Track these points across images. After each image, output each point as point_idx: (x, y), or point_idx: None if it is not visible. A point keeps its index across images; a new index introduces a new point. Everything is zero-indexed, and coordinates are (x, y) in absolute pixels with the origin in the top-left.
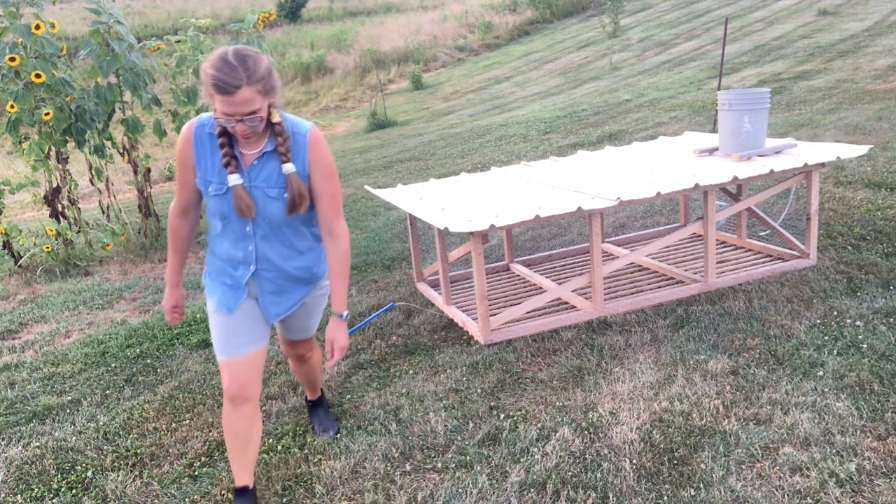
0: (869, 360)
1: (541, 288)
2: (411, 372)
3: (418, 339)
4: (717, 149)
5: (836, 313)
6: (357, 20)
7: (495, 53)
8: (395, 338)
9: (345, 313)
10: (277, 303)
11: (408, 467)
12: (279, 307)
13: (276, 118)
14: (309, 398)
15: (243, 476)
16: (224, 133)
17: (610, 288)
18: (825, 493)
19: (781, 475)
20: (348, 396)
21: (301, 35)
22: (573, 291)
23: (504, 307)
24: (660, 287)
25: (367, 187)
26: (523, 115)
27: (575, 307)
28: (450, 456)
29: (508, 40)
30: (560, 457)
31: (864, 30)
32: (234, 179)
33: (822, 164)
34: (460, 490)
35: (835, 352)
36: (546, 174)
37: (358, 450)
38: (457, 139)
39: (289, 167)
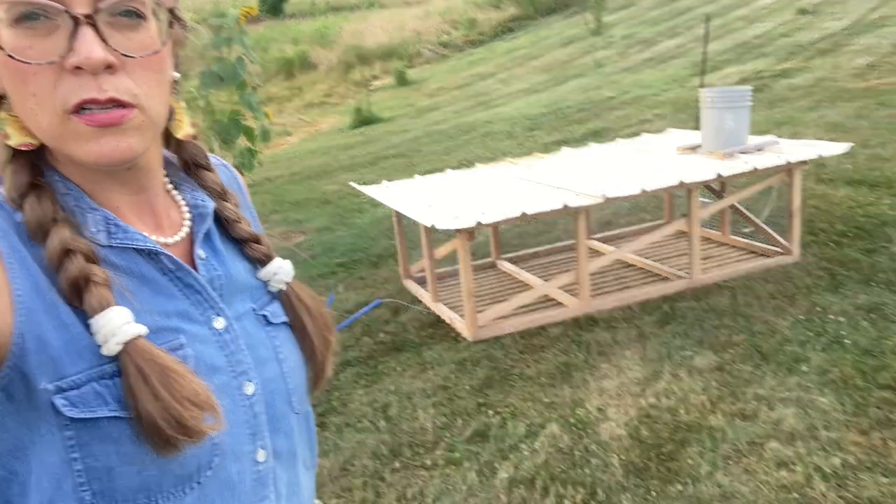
0: (852, 356)
1: (528, 285)
2: (399, 369)
3: (406, 335)
4: (700, 146)
5: (819, 309)
6: (340, 15)
7: (479, 50)
8: (382, 335)
9: None
10: None
11: (397, 464)
12: None
13: (184, 126)
14: None
15: None
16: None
17: (596, 284)
18: (810, 488)
19: (768, 470)
20: (336, 394)
21: (284, 30)
22: (560, 288)
23: (491, 304)
24: (645, 283)
25: (352, 184)
26: (508, 112)
27: (562, 304)
28: (439, 453)
29: (492, 37)
30: (548, 453)
31: (842, 29)
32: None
33: (804, 162)
34: (449, 487)
35: (818, 347)
36: (531, 171)
37: (347, 447)
38: (442, 136)
39: (277, 264)
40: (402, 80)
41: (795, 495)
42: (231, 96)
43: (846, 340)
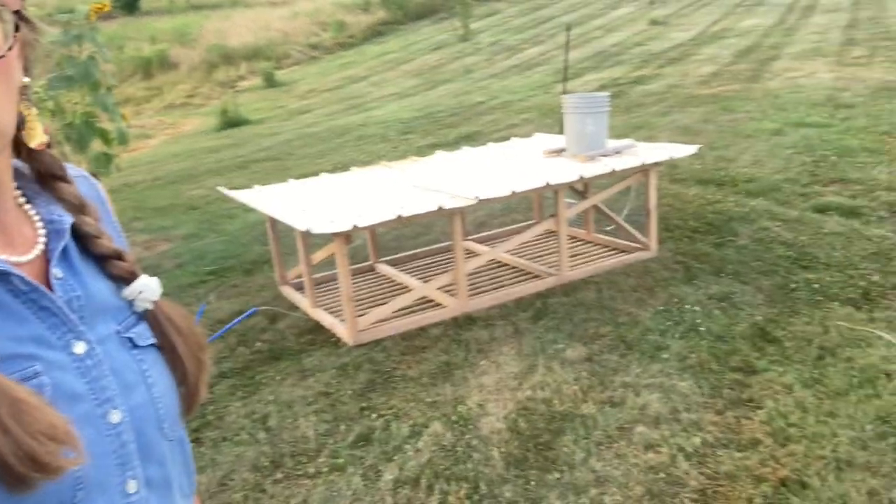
0: (706, 342)
1: (407, 287)
2: (278, 378)
3: (284, 343)
4: (564, 149)
5: (676, 300)
6: (201, 14)
7: (350, 53)
8: (259, 343)
9: None
10: None
11: (279, 475)
12: None
13: (38, 134)
14: None
15: None
16: None
17: (473, 284)
18: (675, 467)
19: (636, 453)
20: (211, 407)
21: (140, 28)
22: (438, 289)
23: (371, 307)
24: (519, 282)
25: (221, 188)
26: (381, 116)
27: (441, 304)
28: (322, 460)
29: (362, 40)
30: (432, 451)
31: (689, 39)
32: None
33: (659, 163)
34: (334, 493)
35: (677, 335)
36: (407, 174)
37: (224, 461)
38: (315, 139)
39: (142, 282)
40: (271, 82)
41: (662, 475)
42: (83, 97)
43: (701, 328)
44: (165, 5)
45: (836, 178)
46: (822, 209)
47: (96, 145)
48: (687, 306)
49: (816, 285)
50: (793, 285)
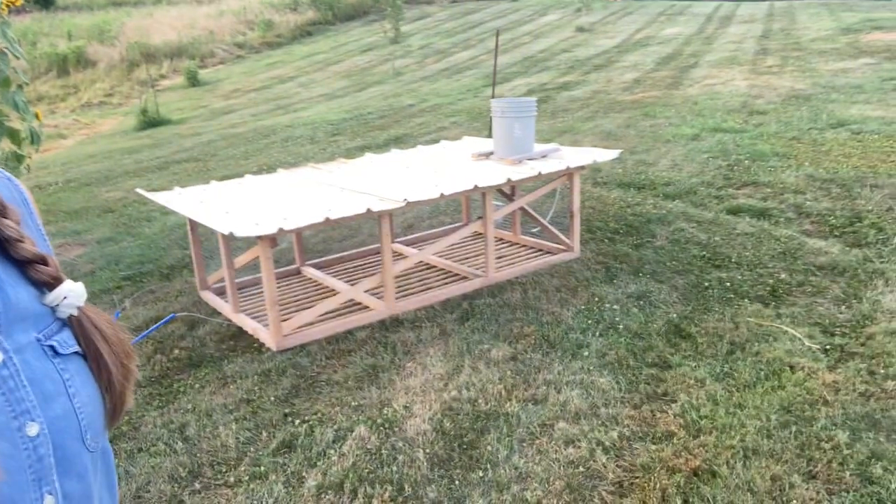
0: (625, 339)
1: (333, 290)
2: (197, 386)
3: (204, 350)
4: (492, 153)
5: (597, 299)
6: (122, 10)
7: (277, 52)
8: (177, 351)
9: None
10: None
11: (197, 485)
12: None
13: None
14: None
15: None
16: None
17: (401, 287)
18: (594, 460)
19: (557, 448)
20: (126, 418)
21: (55, 23)
22: (366, 292)
23: (297, 311)
24: (447, 283)
25: (139, 190)
26: (309, 117)
27: (368, 307)
28: (243, 469)
29: (290, 40)
30: (357, 455)
31: (613, 46)
32: None
33: (582, 167)
34: (255, 502)
35: (597, 333)
36: (335, 176)
37: (140, 473)
38: (239, 139)
39: (66, 287)
40: (194, 81)
41: (581, 469)
42: None
43: (620, 326)
44: (84, 1)
45: (749, 182)
46: (735, 211)
47: (6, 145)
48: (607, 305)
49: (728, 283)
50: (706, 284)
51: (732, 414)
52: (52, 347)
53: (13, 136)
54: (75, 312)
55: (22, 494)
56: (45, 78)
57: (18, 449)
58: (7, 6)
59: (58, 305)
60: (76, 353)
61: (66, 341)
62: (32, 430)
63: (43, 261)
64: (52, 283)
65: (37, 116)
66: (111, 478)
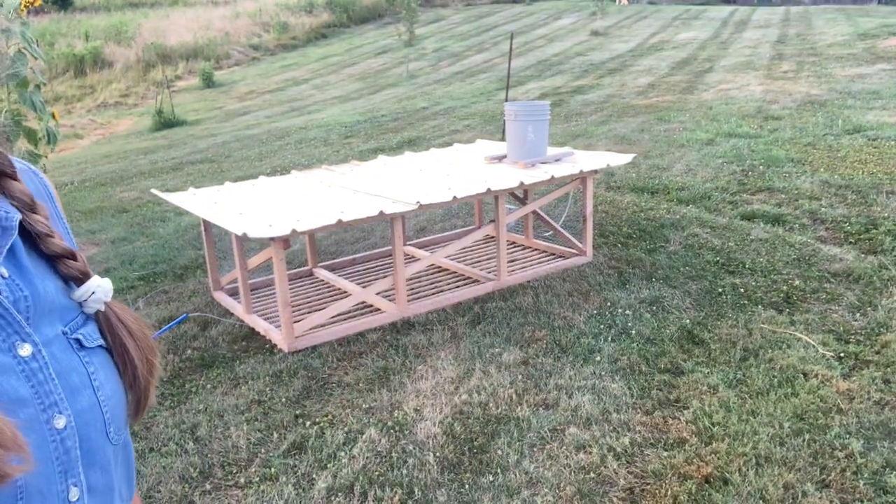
0: (637, 345)
1: (345, 292)
2: (209, 386)
3: (216, 350)
4: (505, 156)
5: (609, 304)
6: (139, 12)
7: (292, 54)
8: (190, 351)
9: None
10: None
11: (208, 486)
12: None
13: None
14: None
15: None
16: None
17: (412, 289)
18: (605, 467)
19: (568, 454)
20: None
21: (73, 24)
22: (377, 294)
23: (308, 313)
24: (458, 287)
25: (154, 191)
26: (323, 119)
27: (379, 309)
28: (253, 470)
29: (305, 42)
30: (367, 458)
31: (628, 51)
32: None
33: (596, 171)
34: (265, 503)
35: (609, 338)
36: (348, 178)
37: (151, 473)
38: (254, 141)
39: (94, 282)
40: (209, 82)
41: (592, 475)
42: (10, 94)
43: (632, 331)
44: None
45: (763, 187)
46: (749, 217)
47: (23, 144)
48: (619, 310)
49: (742, 290)
50: (719, 289)
51: (745, 421)
52: (77, 341)
53: (30, 135)
54: (102, 308)
55: (49, 486)
56: (62, 78)
57: (46, 441)
58: (26, 7)
59: (86, 300)
60: (100, 346)
61: (91, 335)
62: (60, 422)
63: (72, 256)
64: (80, 279)
65: (53, 116)
66: (130, 471)
